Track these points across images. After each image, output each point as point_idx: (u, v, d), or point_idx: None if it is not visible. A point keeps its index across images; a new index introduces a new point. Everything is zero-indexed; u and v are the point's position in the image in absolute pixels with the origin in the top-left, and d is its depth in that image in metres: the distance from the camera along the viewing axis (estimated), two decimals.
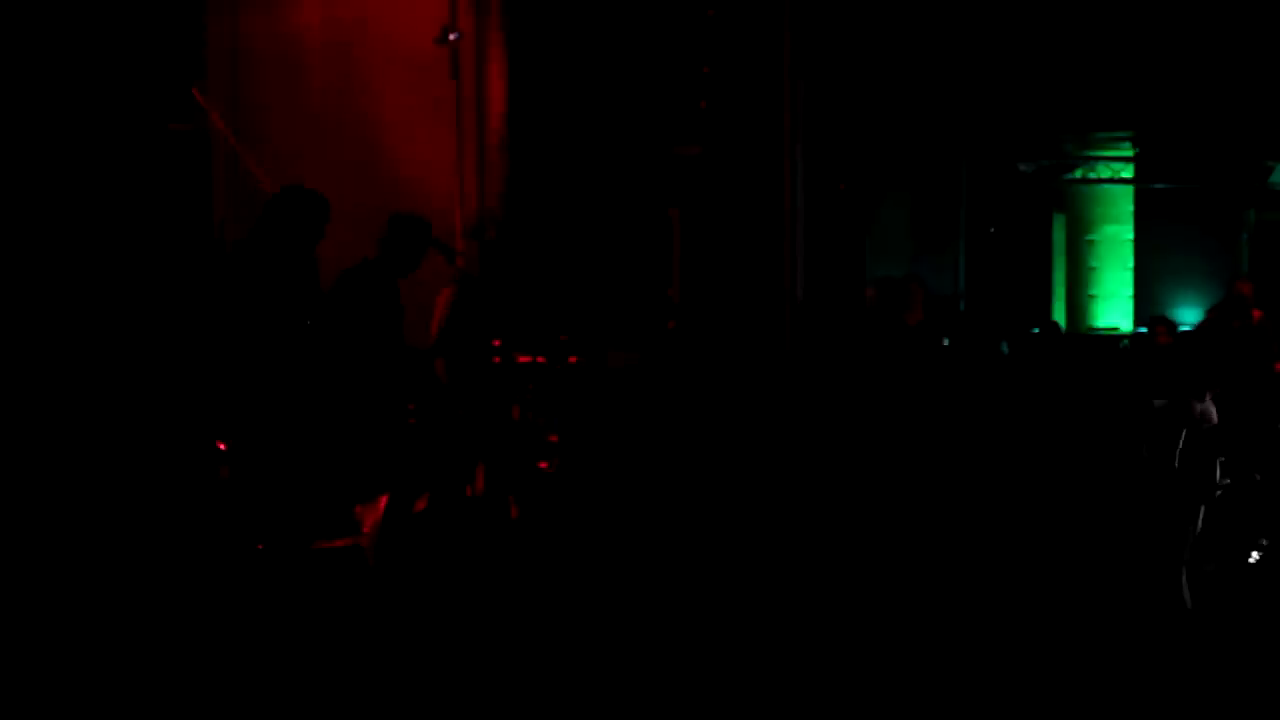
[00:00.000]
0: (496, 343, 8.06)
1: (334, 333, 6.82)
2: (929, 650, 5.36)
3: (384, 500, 6.94)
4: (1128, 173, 16.73)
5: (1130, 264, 16.68)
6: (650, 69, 9.90)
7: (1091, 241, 16.72)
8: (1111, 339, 15.75)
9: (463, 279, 7.83)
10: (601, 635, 5.63)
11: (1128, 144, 16.61)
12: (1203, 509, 5.91)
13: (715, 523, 7.05)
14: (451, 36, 9.19)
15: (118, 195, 7.08)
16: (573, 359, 8.55)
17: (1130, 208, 16.70)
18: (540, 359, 8.51)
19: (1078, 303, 16.79)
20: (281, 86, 9.57)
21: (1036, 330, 14.17)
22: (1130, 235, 16.68)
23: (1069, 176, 16.96)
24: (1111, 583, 5.10)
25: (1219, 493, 5.99)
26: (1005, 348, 12.57)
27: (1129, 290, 16.70)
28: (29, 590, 5.66)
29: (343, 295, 7.11)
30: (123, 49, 7.21)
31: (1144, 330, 14.20)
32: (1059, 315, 16.71)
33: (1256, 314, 10.68)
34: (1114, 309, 16.64)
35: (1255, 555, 5.45)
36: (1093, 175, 16.76)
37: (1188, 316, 15.75)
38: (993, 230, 16.15)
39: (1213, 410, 6.42)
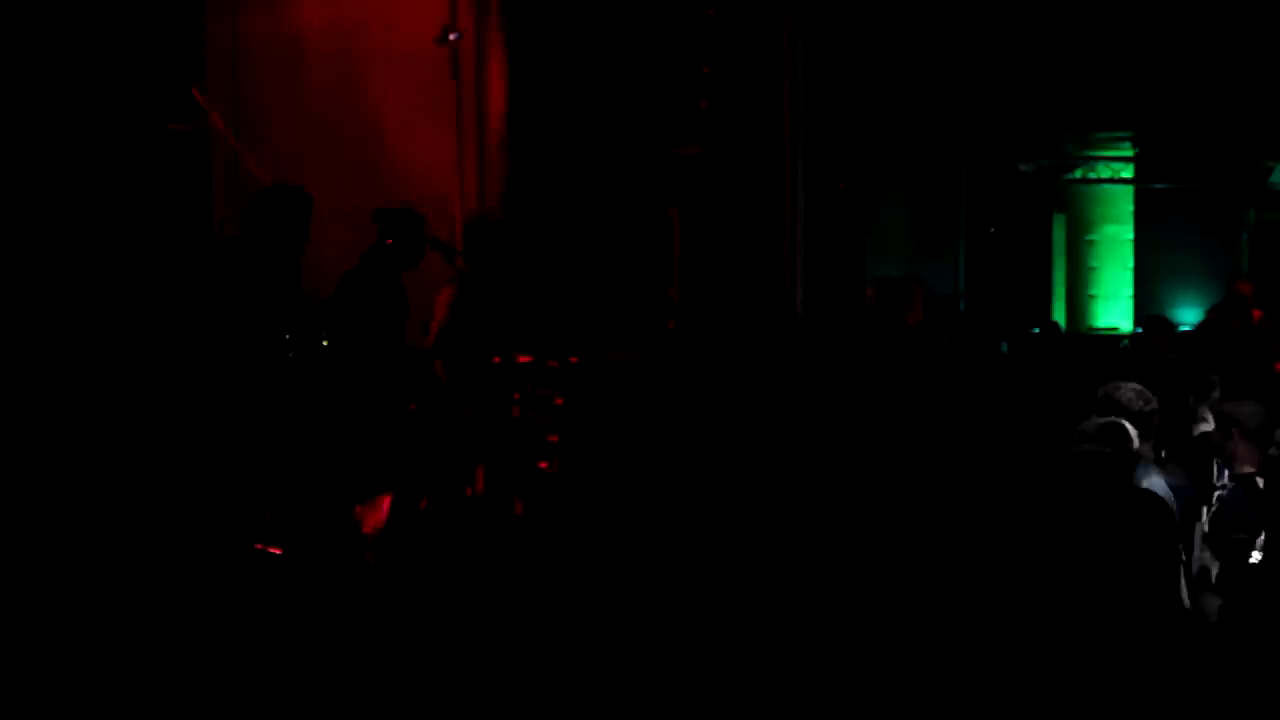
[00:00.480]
0: (503, 343, 8.06)
1: (337, 334, 6.83)
2: (929, 651, 5.36)
3: (385, 500, 6.94)
4: (1128, 173, 16.72)
5: (1130, 264, 16.67)
6: (650, 69, 9.90)
7: (1091, 241, 16.71)
8: (1111, 339, 15.75)
9: (460, 278, 7.83)
10: (600, 636, 5.63)
11: (1128, 144, 16.59)
12: (1204, 510, 5.91)
13: (716, 522, 7.05)
14: (451, 36, 9.18)
15: (117, 195, 7.08)
16: (573, 359, 8.55)
17: (1130, 208, 16.69)
18: (540, 359, 8.52)
19: (1078, 303, 16.78)
20: (281, 86, 9.57)
21: (1036, 330, 14.18)
22: (1130, 235, 16.67)
23: (1069, 176, 16.95)
24: (1111, 583, 5.09)
25: (1219, 493, 5.99)
26: (1005, 348, 12.58)
27: (1129, 290, 16.69)
28: (27, 590, 5.66)
29: (346, 296, 7.12)
30: (123, 49, 7.20)
31: (1140, 330, 14.19)
32: (1059, 315, 16.69)
33: (1256, 314, 10.69)
34: (1114, 309, 16.63)
35: (1256, 555, 5.44)
36: (1093, 175, 16.75)
37: (1188, 316, 15.75)
38: (993, 230, 16.14)
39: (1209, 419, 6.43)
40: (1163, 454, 6.17)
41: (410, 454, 7.13)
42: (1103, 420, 5.43)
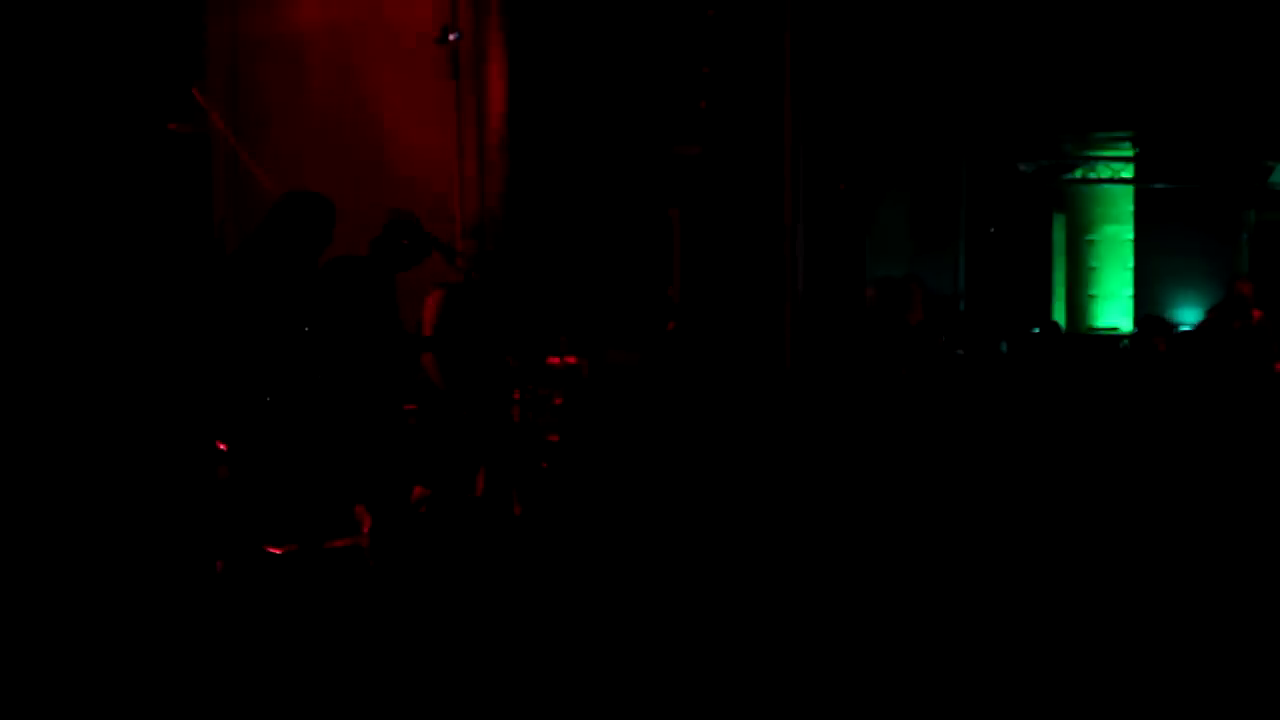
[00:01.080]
0: (502, 346, 8.05)
1: (329, 324, 6.79)
2: (928, 650, 5.37)
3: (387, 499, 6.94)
4: (1128, 173, 16.73)
5: (1130, 264, 16.69)
6: (650, 69, 9.91)
7: (1091, 241, 16.72)
8: (1111, 339, 15.76)
9: (450, 284, 7.81)
10: (601, 636, 5.63)
11: (1128, 144, 16.60)
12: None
13: (715, 522, 7.05)
14: (451, 36, 9.18)
15: (118, 196, 7.08)
16: (572, 359, 8.55)
17: (1130, 208, 16.70)
18: (540, 359, 8.51)
19: (1078, 303, 16.79)
20: (281, 86, 9.57)
21: (1036, 330, 14.18)
22: (1130, 235, 16.68)
23: (1069, 176, 16.96)
24: (1109, 581, 5.10)
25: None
26: (1005, 348, 12.59)
27: (1129, 290, 16.71)
28: (28, 591, 5.66)
29: (333, 283, 7.05)
30: (123, 49, 7.20)
31: (1136, 331, 14.18)
32: (1059, 315, 16.71)
33: (1256, 314, 10.69)
34: (1114, 309, 16.64)
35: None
36: (1093, 175, 16.76)
37: (1188, 316, 15.75)
38: (993, 230, 16.15)
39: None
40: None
41: (408, 453, 7.13)
42: None
